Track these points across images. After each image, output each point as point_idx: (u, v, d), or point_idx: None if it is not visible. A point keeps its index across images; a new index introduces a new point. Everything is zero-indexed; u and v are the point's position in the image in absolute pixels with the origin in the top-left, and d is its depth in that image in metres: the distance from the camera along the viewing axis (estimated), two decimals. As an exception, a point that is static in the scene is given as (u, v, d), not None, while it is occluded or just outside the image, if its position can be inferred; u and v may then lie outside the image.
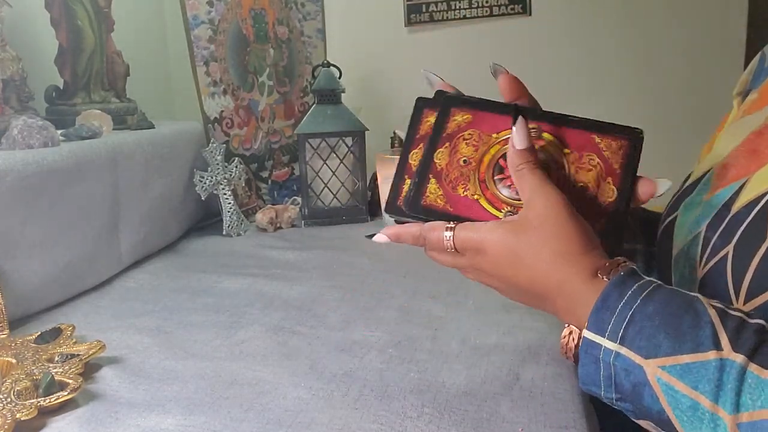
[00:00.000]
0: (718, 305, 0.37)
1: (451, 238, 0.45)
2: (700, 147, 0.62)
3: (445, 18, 1.50)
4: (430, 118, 0.50)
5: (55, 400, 0.50)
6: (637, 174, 0.47)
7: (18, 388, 0.51)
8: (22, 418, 0.47)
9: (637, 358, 0.36)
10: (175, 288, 0.82)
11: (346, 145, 1.14)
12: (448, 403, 0.50)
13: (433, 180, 0.49)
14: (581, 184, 0.47)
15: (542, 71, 1.46)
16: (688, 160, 0.63)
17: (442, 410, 0.49)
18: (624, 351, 0.37)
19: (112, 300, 0.79)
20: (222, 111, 1.14)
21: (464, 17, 1.49)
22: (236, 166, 1.10)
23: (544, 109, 0.49)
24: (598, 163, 0.47)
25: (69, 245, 0.77)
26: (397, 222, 0.50)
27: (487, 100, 0.50)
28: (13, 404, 0.49)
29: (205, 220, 1.15)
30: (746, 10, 1.37)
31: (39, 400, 0.50)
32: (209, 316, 0.71)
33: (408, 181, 0.49)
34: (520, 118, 0.45)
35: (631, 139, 0.47)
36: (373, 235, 0.50)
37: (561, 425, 0.47)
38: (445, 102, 0.50)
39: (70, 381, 0.53)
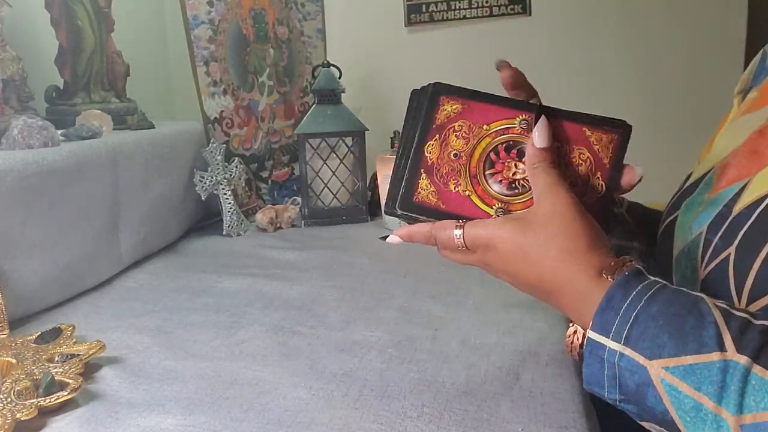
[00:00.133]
0: (723, 306, 0.37)
1: (461, 236, 0.45)
2: (700, 147, 0.62)
3: (445, 18, 1.50)
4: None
5: (55, 400, 0.50)
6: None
7: (18, 388, 0.51)
8: (22, 418, 0.47)
9: (641, 359, 0.36)
10: (175, 288, 0.82)
11: (346, 145, 1.14)
12: (448, 403, 0.50)
13: (424, 175, 0.47)
14: (571, 179, 0.47)
15: (542, 71, 1.45)
16: (688, 160, 0.63)
17: (442, 410, 0.49)
18: (628, 352, 0.37)
19: (112, 300, 0.79)
20: (222, 111, 1.14)
21: (464, 17, 1.49)
22: (236, 166, 1.10)
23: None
24: (588, 157, 0.47)
25: (69, 245, 0.77)
26: (409, 222, 0.49)
27: (477, 90, 0.48)
28: (14, 404, 0.49)
29: (205, 220, 1.15)
30: (746, 9, 1.37)
31: (39, 400, 0.50)
32: (209, 316, 0.71)
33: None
34: (542, 117, 0.45)
35: (622, 132, 0.47)
36: (386, 237, 0.50)
37: (561, 425, 0.47)
38: (434, 90, 0.48)
39: (70, 381, 0.53)
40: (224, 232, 1.06)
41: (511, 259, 0.44)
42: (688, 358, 0.34)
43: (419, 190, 0.48)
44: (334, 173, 1.13)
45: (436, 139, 0.48)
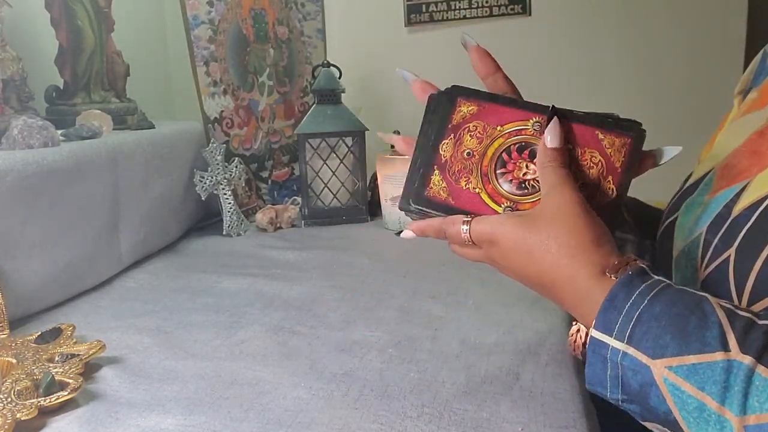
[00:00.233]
0: (727, 305, 0.36)
1: (468, 231, 0.46)
2: (700, 147, 0.62)
3: (445, 18, 1.50)
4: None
5: (55, 400, 0.50)
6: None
7: (18, 387, 0.51)
8: (22, 418, 0.47)
9: (644, 358, 0.36)
10: (175, 288, 0.82)
11: (346, 145, 1.14)
12: (448, 403, 0.50)
13: (437, 171, 0.49)
14: (582, 181, 0.47)
15: (542, 71, 1.46)
16: (688, 160, 0.63)
17: (442, 410, 0.49)
18: (631, 351, 0.37)
19: (112, 300, 0.79)
20: (222, 111, 1.14)
21: (464, 17, 1.49)
22: (236, 166, 1.10)
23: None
24: (600, 160, 0.47)
25: (69, 245, 0.77)
26: (421, 217, 0.51)
27: (494, 94, 0.50)
28: (14, 404, 0.49)
29: (205, 220, 1.15)
30: (746, 9, 1.37)
31: (39, 399, 0.50)
32: (209, 316, 0.71)
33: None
34: (555, 118, 0.46)
35: (635, 137, 0.47)
36: (401, 232, 0.52)
37: (561, 425, 0.47)
38: (452, 92, 0.50)
39: (71, 381, 0.53)
40: (224, 232, 1.06)
41: (513, 255, 0.44)
42: (691, 358, 0.34)
43: (431, 185, 0.49)
44: (334, 173, 1.13)
45: (451, 138, 0.49)
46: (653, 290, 0.38)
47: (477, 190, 0.48)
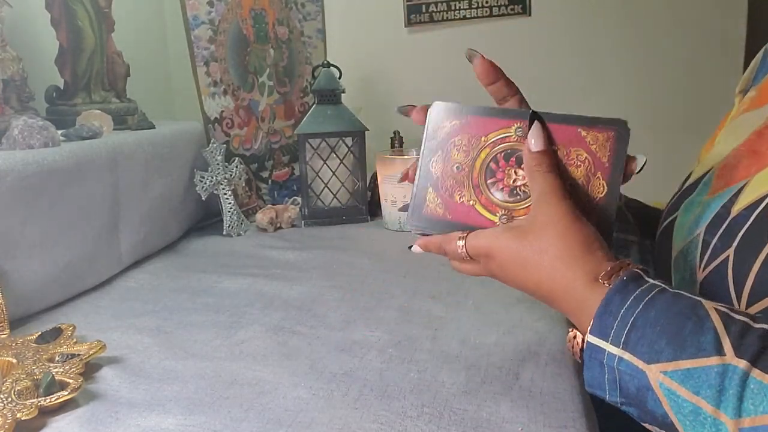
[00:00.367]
0: (722, 309, 0.36)
1: (464, 246, 0.47)
2: (700, 147, 0.62)
3: (445, 18, 1.50)
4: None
5: (55, 399, 0.50)
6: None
7: (18, 387, 0.51)
8: (22, 418, 0.47)
9: (639, 363, 0.36)
10: (175, 288, 0.82)
11: (346, 145, 1.14)
12: (448, 403, 0.50)
13: (431, 189, 0.51)
14: (571, 181, 0.47)
15: (542, 71, 1.46)
16: (688, 160, 0.64)
17: (442, 410, 0.49)
18: (627, 356, 0.37)
19: (112, 300, 0.79)
20: (222, 111, 1.14)
21: (464, 17, 1.49)
22: (236, 166, 1.10)
23: (543, 107, 0.50)
24: (586, 158, 0.47)
25: (69, 245, 0.77)
26: (424, 234, 0.53)
27: (474, 106, 0.51)
28: (14, 404, 0.49)
29: (205, 220, 1.15)
30: (746, 9, 1.37)
31: (39, 399, 0.50)
32: (209, 316, 0.71)
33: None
34: (536, 122, 0.46)
35: (618, 129, 0.47)
36: (411, 246, 0.54)
37: (561, 425, 0.47)
38: (432, 109, 0.51)
39: (71, 381, 0.53)
40: (224, 232, 1.06)
41: (510, 268, 0.45)
42: (685, 363, 0.34)
43: (428, 203, 0.51)
44: (334, 173, 1.13)
45: (439, 155, 0.51)
46: (648, 295, 0.38)
47: (471, 202, 0.49)
